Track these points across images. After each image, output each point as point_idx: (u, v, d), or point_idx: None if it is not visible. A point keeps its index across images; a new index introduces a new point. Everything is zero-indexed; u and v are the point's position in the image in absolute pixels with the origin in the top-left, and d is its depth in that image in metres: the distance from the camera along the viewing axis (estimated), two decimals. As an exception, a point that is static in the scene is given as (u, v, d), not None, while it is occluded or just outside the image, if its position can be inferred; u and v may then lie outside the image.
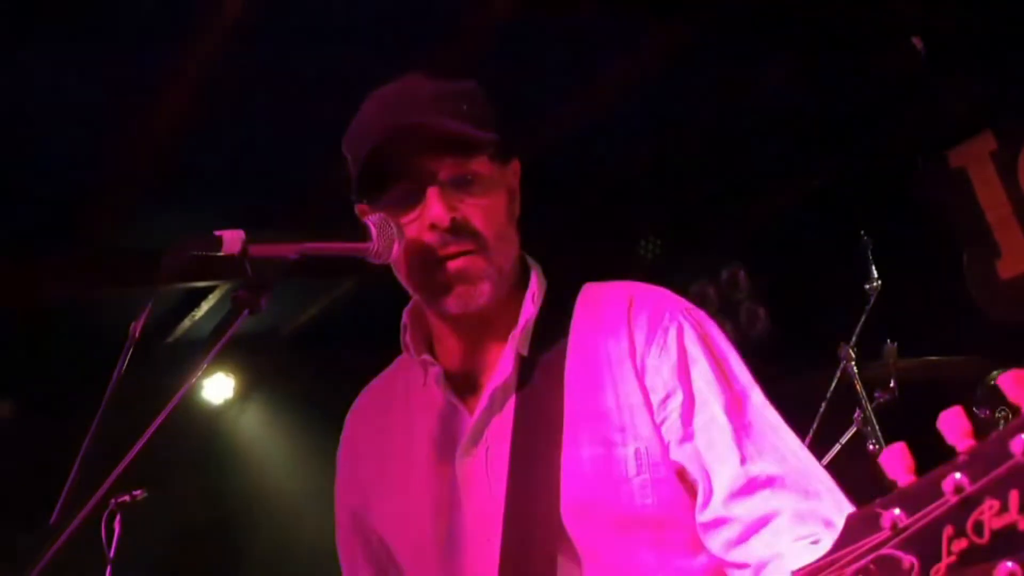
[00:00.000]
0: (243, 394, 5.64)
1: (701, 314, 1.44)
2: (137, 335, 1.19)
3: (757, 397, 1.34)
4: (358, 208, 1.50)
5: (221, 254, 1.26)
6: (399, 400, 1.57)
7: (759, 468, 1.25)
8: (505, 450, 1.38)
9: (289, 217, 4.08)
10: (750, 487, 1.24)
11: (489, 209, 1.40)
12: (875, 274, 3.31)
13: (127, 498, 2.95)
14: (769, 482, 1.24)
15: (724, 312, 5.27)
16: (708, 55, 3.84)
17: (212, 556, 4.97)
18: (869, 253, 3.32)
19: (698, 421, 1.32)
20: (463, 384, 1.47)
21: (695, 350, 1.37)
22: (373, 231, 1.35)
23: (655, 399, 1.35)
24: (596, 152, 4.47)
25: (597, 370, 1.39)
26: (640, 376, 1.36)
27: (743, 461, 1.26)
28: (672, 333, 1.38)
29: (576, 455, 1.34)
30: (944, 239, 4.66)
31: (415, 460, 1.49)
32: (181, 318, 4.93)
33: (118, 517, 2.92)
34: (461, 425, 1.45)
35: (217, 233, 1.25)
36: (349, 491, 1.61)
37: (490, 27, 3.17)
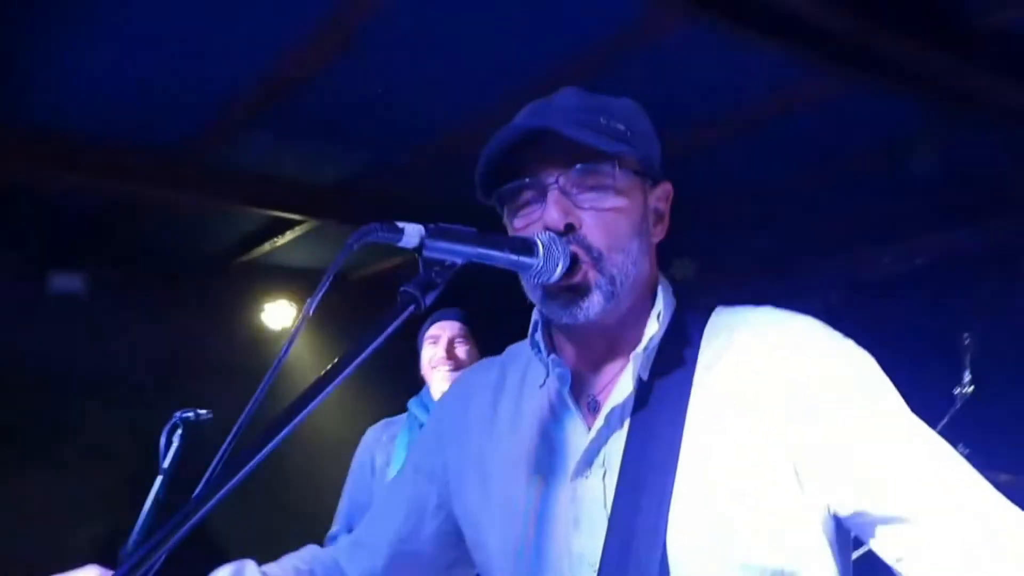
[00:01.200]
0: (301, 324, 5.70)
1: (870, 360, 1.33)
2: (311, 312, 1.18)
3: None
4: (497, 209, 1.48)
5: (399, 245, 1.25)
6: (511, 391, 1.53)
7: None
8: (614, 479, 1.33)
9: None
10: None
11: (607, 219, 1.36)
12: (968, 378, 3.22)
13: (191, 415, 2.96)
14: None
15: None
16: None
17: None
18: (968, 356, 3.22)
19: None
20: (580, 394, 1.42)
21: (864, 395, 1.29)
22: (540, 249, 1.33)
23: (806, 469, 1.27)
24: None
25: (723, 413, 1.32)
26: (785, 438, 1.28)
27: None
28: (836, 371, 1.30)
29: (688, 504, 1.28)
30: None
31: (521, 462, 1.44)
32: (263, 241, 5.00)
33: (179, 432, 2.93)
34: (575, 438, 1.40)
35: (400, 224, 1.24)
36: (436, 454, 1.59)
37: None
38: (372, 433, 3.37)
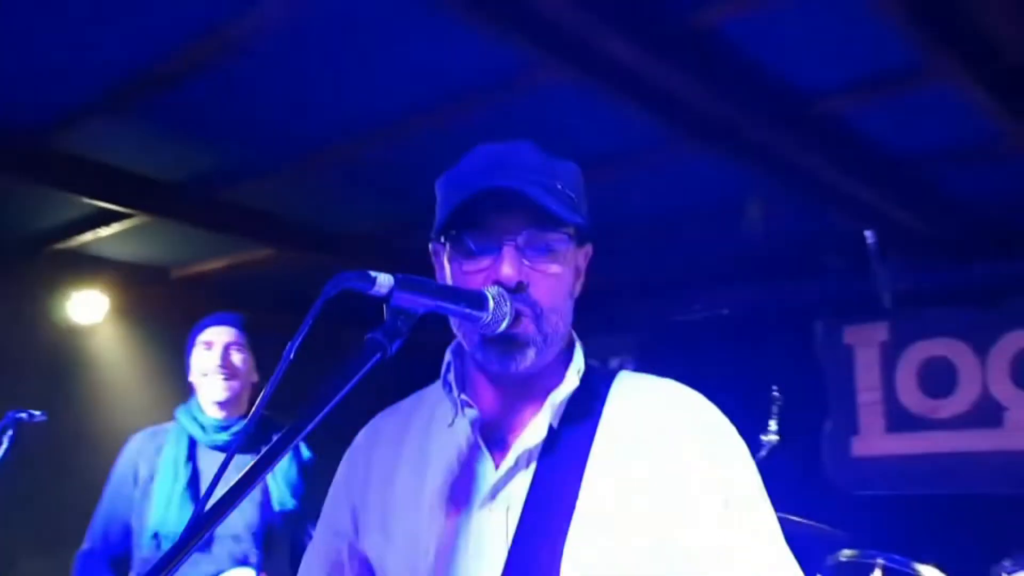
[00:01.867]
0: (113, 317, 5.45)
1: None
2: (292, 357, 1.23)
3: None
4: (432, 247, 1.57)
5: (370, 293, 1.32)
6: (417, 432, 1.60)
7: None
8: (517, 514, 1.44)
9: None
10: None
11: (553, 282, 1.47)
12: (773, 427, 3.59)
13: (24, 415, 2.82)
14: None
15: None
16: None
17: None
18: (776, 407, 3.60)
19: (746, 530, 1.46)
20: (489, 434, 1.52)
21: (741, 469, 1.50)
22: (491, 304, 1.42)
23: (689, 511, 1.44)
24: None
25: (625, 460, 1.47)
26: (682, 480, 1.45)
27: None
28: (724, 446, 1.50)
29: (582, 539, 1.40)
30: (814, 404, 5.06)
31: (425, 497, 1.52)
32: (85, 230, 4.77)
33: (9, 433, 2.78)
34: (482, 475, 1.49)
35: (372, 274, 1.31)
36: (343, 507, 1.64)
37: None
38: (136, 443, 3.11)
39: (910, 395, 4.87)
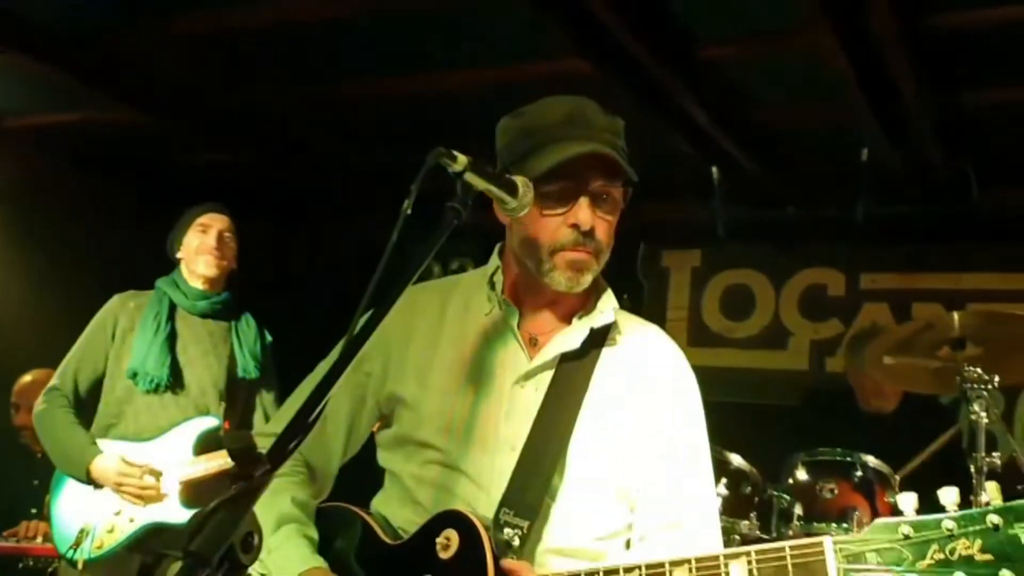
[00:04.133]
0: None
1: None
2: (409, 211, 1.43)
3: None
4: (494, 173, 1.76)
5: (451, 169, 1.54)
6: (455, 313, 1.90)
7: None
8: (542, 395, 1.80)
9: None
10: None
11: (610, 226, 1.81)
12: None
13: None
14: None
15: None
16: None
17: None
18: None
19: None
20: (522, 331, 1.85)
21: (698, 416, 1.91)
22: (520, 189, 1.67)
23: (662, 432, 1.82)
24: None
25: (618, 383, 1.83)
26: (657, 413, 1.83)
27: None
28: (691, 396, 1.91)
29: (587, 424, 1.78)
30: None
31: (461, 368, 1.83)
32: None
33: None
34: (514, 359, 1.83)
35: (455, 153, 1.53)
36: (377, 357, 1.88)
37: None
38: (118, 300, 3.51)
39: (712, 316, 5.52)
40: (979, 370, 3.44)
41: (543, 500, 1.73)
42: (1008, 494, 1.39)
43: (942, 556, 1.33)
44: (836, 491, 3.62)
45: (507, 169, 1.78)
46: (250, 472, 1.07)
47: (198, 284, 3.52)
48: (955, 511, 1.37)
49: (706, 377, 6.06)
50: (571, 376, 1.82)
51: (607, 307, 1.87)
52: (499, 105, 1.91)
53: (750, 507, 3.70)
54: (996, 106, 4.21)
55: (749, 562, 1.44)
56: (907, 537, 1.35)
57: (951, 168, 4.70)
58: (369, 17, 3.72)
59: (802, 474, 3.68)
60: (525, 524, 1.69)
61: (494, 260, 1.92)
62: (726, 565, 1.46)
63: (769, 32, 3.63)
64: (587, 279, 1.80)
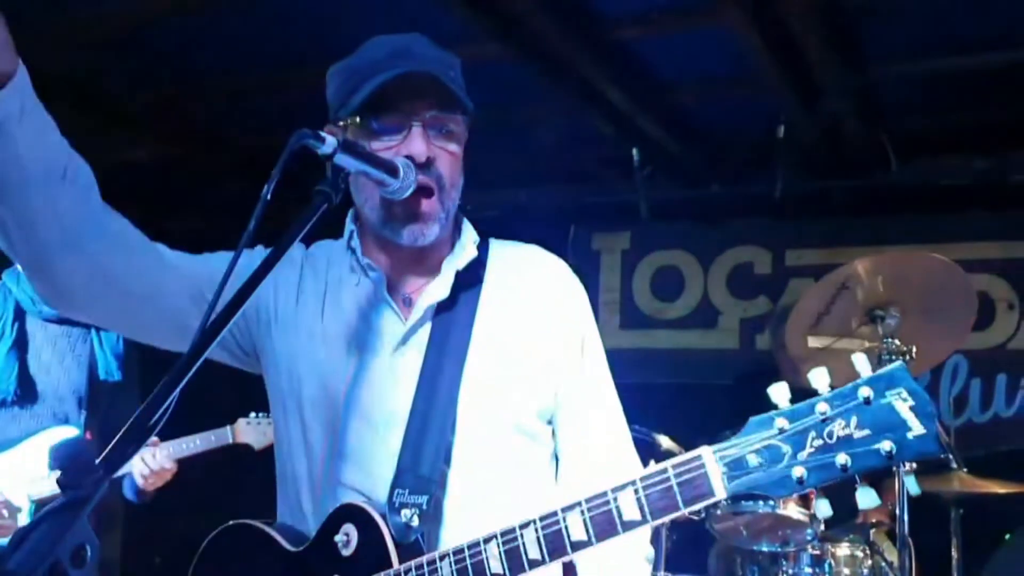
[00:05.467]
0: None
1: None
2: (268, 196, 1.35)
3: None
4: (327, 127, 1.74)
5: (319, 151, 1.47)
6: (315, 280, 1.82)
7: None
8: (422, 356, 1.72)
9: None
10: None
11: (454, 159, 1.72)
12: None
13: None
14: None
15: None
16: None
17: None
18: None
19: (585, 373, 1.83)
20: (391, 292, 1.77)
21: (589, 318, 1.87)
22: (401, 172, 1.62)
23: (558, 348, 1.79)
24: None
25: (505, 315, 1.78)
26: (549, 327, 1.79)
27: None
28: (579, 300, 1.86)
29: (475, 375, 1.71)
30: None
31: (334, 340, 1.75)
32: None
33: None
34: (390, 325, 1.74)
35: (323, 134, 1.47)
36: (266, 297, 1.81)
37: None
38: None
39: (643, 297, 5.50)
40: (897, 341, 3.47)
41: (439, 469, 1.66)
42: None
43: (821, 442, 1.31)
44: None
45: (337, 117, 1.71)
46: (80, 481, 0.99)
47: None
48: (828, 392, 1.33)
49: (639, 359, 6.13)
50: (450, 327, 1.74)
51: (468, 242, 1.79)
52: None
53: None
54: (907, 77, 4.23)
55: (636, 491, 1.40)
56: (783, 431, 1.32)
57: (869, 141, 4.73)
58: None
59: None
60: (423, 500, 1.62)
61: (348, 225, 1.82)
62: (615, 499, 1.41)
63: (678, 10, 3.59)
64: (432, 229, 1.70)
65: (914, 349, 3.44)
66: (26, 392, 3.08)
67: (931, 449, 1.28)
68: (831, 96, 4.11)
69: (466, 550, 1.50)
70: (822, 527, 3.59)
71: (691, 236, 5.44)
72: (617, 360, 6.07)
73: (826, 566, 3.74)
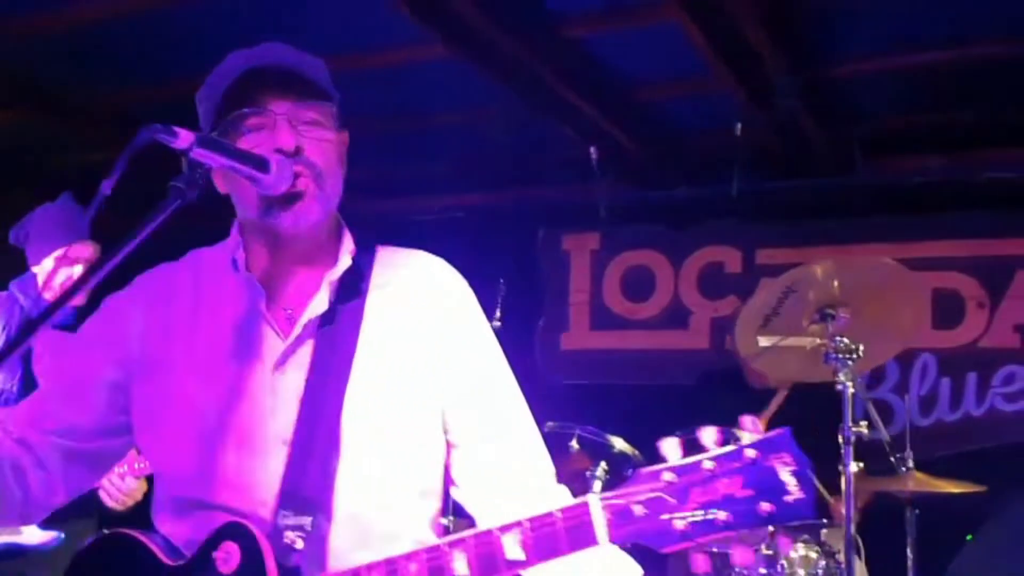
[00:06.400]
0: None
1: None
2: (108, 192, 1.35)
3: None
4: (200, 152, 1.66)
5: (172, 145, 1.46)
6: (207, 298, 1.76)
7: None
8: (305, 375, 1.67)
9: None
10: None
11: (326, 146, 1.69)
12: (498, 315, 4.01)
13: None
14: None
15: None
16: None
17: None
18: (500, 297, 4.01)
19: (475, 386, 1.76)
20: (272, 309, 1.72)
21: (478, 326, 1.81)
22: (273, 166, 1.60)
23: (441, 356, 1.74)
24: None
25: (389, 330, 1.73)
26: (434, 340, 1.74)
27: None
28: (459, 301, 1.80)
29: (359, 394, 1.66)
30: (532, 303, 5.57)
31: (214, 356, 1.70)
32: None
33: None
34: (270, 342, 1.70)
35: (176, 129, 1.46)
36: (110, 361, 1.77)
37: None
38: None
39: (613, 298, 5.49)
40: (846, 340, 3.45)
41: (324, 492, 1.62)
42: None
43: (705, 498, 1.34)
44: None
45: (211, 129, 1.69)
46: None
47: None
48: (716, 451, 1.36)
49: (610, 360, 6.11)
50: (332, 343, 1.69)
51: (344, 253, 1.75)
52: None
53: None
54: (869, 76, 4.22)
55: (522, 532, 1.40)
56: (669, 484, 1.35)
57: (833, 140, 4.71)
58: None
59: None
60: (307, 521, 1.59)
61: (233, 237, 1.78)
62: (501, 538, 1.41)
63: (627, 9, 3.59)
64: (313, 208, 1.66)
65: (861, 348, 3.42)
66: (28, 394, 3.11)
67: (806, 514, 1.33)
68: (784, 95, 4.09)
69: (447, 546, 1.48)
70: (771, 527, 3.57)
71: (661, 236, 5.43)
72: (588, 361, 6.11)
73: (779, 567, 3.72)
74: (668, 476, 1.35)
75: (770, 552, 3.71)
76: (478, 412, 1.77)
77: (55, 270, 3.25)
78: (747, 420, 1.40)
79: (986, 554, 3.88)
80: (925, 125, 4.67)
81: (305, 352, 1.69)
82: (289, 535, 1.58)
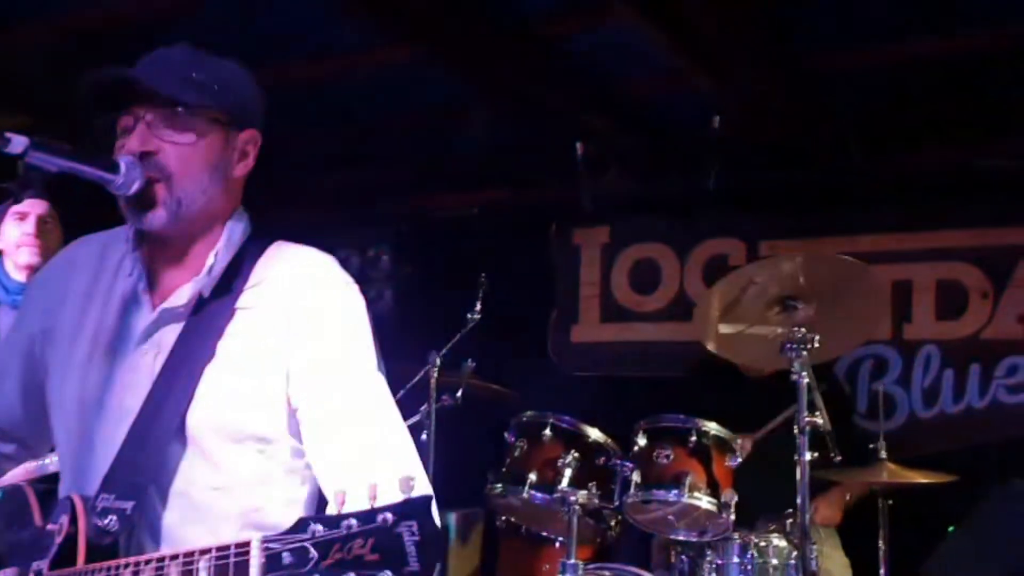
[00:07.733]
0: None
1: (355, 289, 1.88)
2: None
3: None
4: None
5: (5, 151, 1.62)
6: (108, 271, 1.87)
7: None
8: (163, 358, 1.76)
9: None
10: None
11: (185, 151, 1.75)
12: (478, 308, 4.13)
13: None
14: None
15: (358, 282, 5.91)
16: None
17: None
18: (481, 291, 4.13)
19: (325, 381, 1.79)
20: (154, 287, 1.82)
21: (333, 318, 1.82)
22: (122, 168, 1.71)
23: (294, 351, 1.77)
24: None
25: (256, 322, 1.78)
26: (289, 330, 1.77)
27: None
28: (322, 293, 1.83)
29: (212, 381, 1.73)
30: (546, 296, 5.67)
31: (101, 330, 1.81)
32: None
33: None
34: (141, 323, 1.79)
35: (8, 135, 1.61)
36: (35, 320, 1.92)
37: None
38: None
39: (622, 290, 5.54)
40: (803, 330, 3.46)
41: (155, 477, 1.68)
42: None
43: (340, 556, 1.29)
44: (672, 457, 3.63)
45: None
46: None
47: (21, 277, 3.36)
48: (362, 509, 1.31)
49: (618, 352, 6.14)
50: (197, 330, 1.75)
51: (223, 246, 1.82)
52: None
53: (599, 478, 3.70)
54: (865, 69, 4.19)
55: (212, 559, 1.40)
56: (315, 535, 1.31)
57: (835, 133, 4.68)
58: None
59: (642, 440, 3.70)
60: (128, 505, 1.63)
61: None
62: (198, 561, 1.42)
63: (592, 5, 3.65)
64: (160, 212, 1.73)
65: (816, 338, 3.43)
66: None
67: None
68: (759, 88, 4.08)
69: (154, 561, 1.50)
70: (733, 516, 3.59)
71: (668, 228, 5.46)
72: (597, 353, 6.15)
73: (749, 555, 3.74)
74: (316, 527, 1.32)
75: (742, 541, 3.73)
76: (324, 410, 1.77)
77: (5, 227, 3.30)
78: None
79: (967, 546, 3.81)
80: (926, 116, 4.59)
81: (170, 334, 1.77)
82: (109, 518, 1.64)
